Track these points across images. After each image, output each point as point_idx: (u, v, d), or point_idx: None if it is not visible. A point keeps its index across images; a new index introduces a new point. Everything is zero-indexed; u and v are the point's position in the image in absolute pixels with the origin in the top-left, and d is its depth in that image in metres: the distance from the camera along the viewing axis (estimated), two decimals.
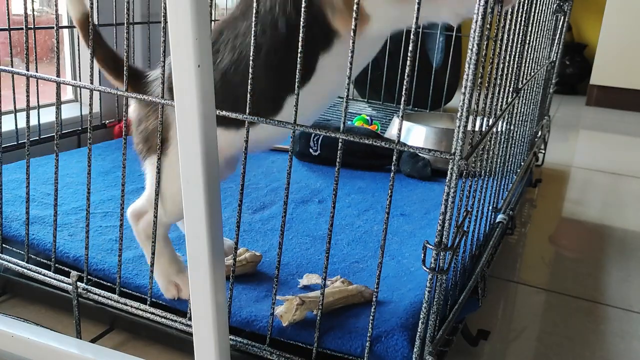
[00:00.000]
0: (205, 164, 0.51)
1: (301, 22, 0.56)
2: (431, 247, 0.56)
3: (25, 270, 0.78)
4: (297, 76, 0.58)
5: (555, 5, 1.44)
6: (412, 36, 0.53)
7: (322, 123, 1.37)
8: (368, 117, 1.69)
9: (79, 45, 1.27)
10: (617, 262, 1.12)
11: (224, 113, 0.63)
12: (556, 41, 1.61)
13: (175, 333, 0.71)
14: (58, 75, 0.70)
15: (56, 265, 0.77)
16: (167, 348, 0.74)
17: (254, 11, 0.58)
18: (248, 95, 0.60)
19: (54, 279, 0.76)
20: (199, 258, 0.53)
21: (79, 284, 0.73)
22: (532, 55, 1.11)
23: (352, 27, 0.54)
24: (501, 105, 0.81)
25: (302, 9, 0.56)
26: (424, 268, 0.56)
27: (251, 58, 0.59)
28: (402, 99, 0.54)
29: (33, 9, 1.13)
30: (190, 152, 0.50)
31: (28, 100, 0.72)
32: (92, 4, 0.66)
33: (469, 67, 0.54)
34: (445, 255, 0.57)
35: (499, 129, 0.85)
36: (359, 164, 1.29)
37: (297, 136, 1.31)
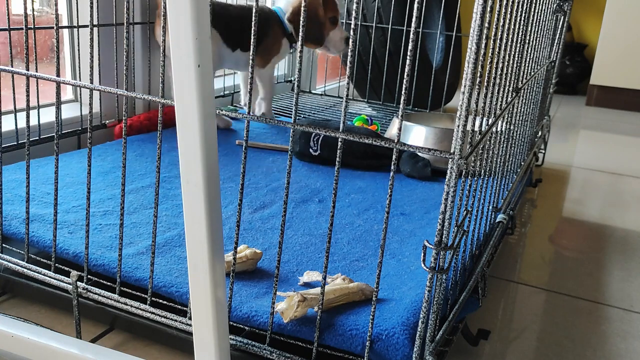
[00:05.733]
0: (205, 163, 0.51)
1: (301, 23, 0.56)
2: (431, 246, 0.56)
3: (25, 270, 0.78)
4: (297, 75, 0.58)
5: (555, 5, 1.44)
6: (412, 36, 0.53)
7: (322, 123, 1.37)
8: (368, 117, 1.69)
9: (79, 45, 1.27)
10: (617, 262, 1.13)
11: (223, 113, 0.63)
12: (556, 41, 1.61)
13: (175, 333, 0.71)
14: (58, 75, 0.70)
15: (56, 264, 0.77)
16: (167, 348, 0.74)
17: (254, 10, 0.58)
18: (249, 94, 0.60)
19: (54, 278, 0.76)
20: (199, 256, 0.53)
21: (79, 283, 0.73)
22: (532, 55, 1.11)
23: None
24: (501, 105, 0.81)
25: (302, 10, 0.56)
26: (424, 267, 0.56)
27: (251, 57, 0.59)
28: (402, 98, 0.54)
29: (33, 9, 1.13)
30: (191, 152, 0.50)
31: (28, 100, 0.72)
32: (92, 3, 0.66)
33: (468, 67, 0.54)
34: (445, 254, 0.57)
35: (499, 129, 0.85)
36: (359, 164, 1.29)
37: (297, 136, 1.31)
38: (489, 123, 0.73)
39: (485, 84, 0.70)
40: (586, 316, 0.92)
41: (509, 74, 0.85)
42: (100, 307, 0.75)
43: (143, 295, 0.72)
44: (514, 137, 1.05)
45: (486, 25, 0.57)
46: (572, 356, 0.81)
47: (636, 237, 1.26)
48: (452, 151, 0.55)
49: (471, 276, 0.78)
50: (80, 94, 1.43)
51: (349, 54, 0.55)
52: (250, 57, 0.59)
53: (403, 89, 0.54)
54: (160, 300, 0.72)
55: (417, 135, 1.37)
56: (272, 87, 1.61)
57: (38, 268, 0.77)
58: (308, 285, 0.76)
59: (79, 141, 1.30)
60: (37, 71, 0.72)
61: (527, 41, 1.00)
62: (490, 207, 0.94)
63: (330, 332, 0.66)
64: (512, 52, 0.84)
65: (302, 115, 1.86)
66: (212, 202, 0.52)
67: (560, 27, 1.61)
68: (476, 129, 0.65)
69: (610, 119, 2.67)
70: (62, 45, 1.40)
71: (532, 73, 1.16)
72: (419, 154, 1.27)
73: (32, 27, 1.10)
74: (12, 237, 0.84)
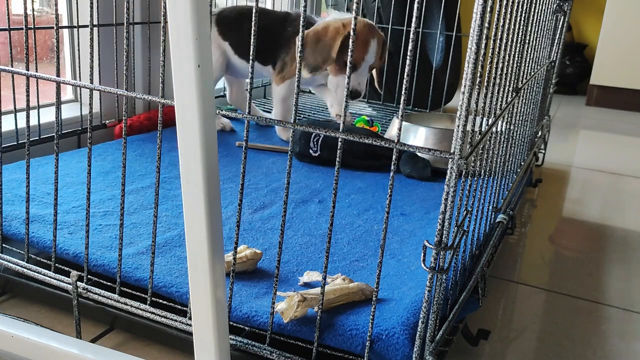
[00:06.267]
0: (205, 163, 0.51)
1: (300, 31, 0.56)
2: (431, 246, 0.56)
3: (25, 270, 0.78)
4: (297, 76, 0.58)
5: (555, 5, 1.44)
6: (412, 36, 0.53)
7: (322, 123, 1.37)
8: (369, 119, 1.69)
9: (79, 45, 1.27)
10: (617, 262, 1.13)
11: (223, 113, 0.63)
12: (556, 41, 1.61)
13: (175, 333, 0.71)
14: (58, 75, 0.70)
15: (56, 264, 0.77)
16: (167, 348, 0.74)
17: (254, 10, 0.58)
18: (248, 95, 0.60)
19: (54, 278, 0.76)
20: (199, 256, 0.53)
21: (79, 283, 0.73)
22: (532, 55, 1.11)
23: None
24: (501, 105, 0.81)
25: (301, 24, 0.56)
26: (424, 267, 0.56)
27: (251, 57, 0.59)
28: (402, 98, 0.54)
29: (33, 9, 1.13)
30: (191, 152, 0.50)
31: (28, 100, 0.72)
32: (92, 3, 0.66)
33: (468, 67, 0.54)
34: (445, 254, 0.57)
35: (499, 129, 0.85)
36: (359, 165, 1.29)
37: (297, 137, 1.31)
38: (489, 123, 0.73)
39: (485, 84, 0.70)
40: (586, 316, 0.92)
41: (509, 74, 0.85)
42: (100, 307, 0.75)
43: (143, 295, 0.72)
44: (514, 137, 1.05)
45: (486, 25, 0.57)
46: (572, 356, 0.81)
47: (636, 237, 1.26)
48: (452, 151, 0.55)
49: (471, 276, 0.78)
50: (80, 94, 1.43)
51: (349, 54, 0.55)
52: (251, 57, 0.59)
53: (403, 89, 0.54)
54: (160, 300, 0.72)
55: (417, 136, 1.37)
56: (283, 109, 1.45)
57: (38, 268, 0.77)
58: (308, 285, 0.76)
59: (79, 141, 1.30)
60: (37, 71, 0.73)
61: (527, 41, 1.00)
62: (490, 207, 0.94)
63: (330, 332, 0.66)
64: (512, 52, 0.84)
65: (302, 116, 1.86)
66: (212, 202, 0.52)
67: (560, 27, 1.61)
68: (476, 129, 0.65)
69: (610, 119, 2.67)
70: (62, 45, 1.40)
71: (532, 73, 1.16)
72: (419, 154, 1.27)
73: (32, 27, 1.10)
74: (12, 237, 0.84)
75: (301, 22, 0.56)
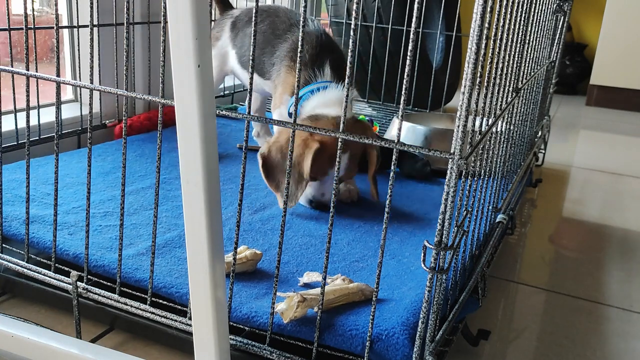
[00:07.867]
0: (205, 163, 0.51)
1: (300, 30, 0.56)
2: (431, 246, 0.56)
3: (25, 270, 0.78)
4: (297, 76, 0.58)
5: (555, 5, 1.44)
6: (412, 36, 0.53)
7: None
8: (367, 118, 1.69)
9: (79, 45, 1.27)
10: (617, 262, 1.13)
11: (223, 113, 0.63)
12: (556, 41, 1.61)
13: (175, 333, 0.71)
14: (58, 75, 0.70)
15: (56, 265, 0.77)
16: (167, 348, 0.74)
17: (254, 11, 0.58)
18: (248, 95, 0.60)
19: (54, 278, 0.76)
20: (199, 257, 0.53)
21: (79, 283, 0.73)
22: (532, 55, 1.11)
23: None
24: (501, 105, 0.81)
25: (301, 24, 0.56)
26: (424, 267, 0.56)
27: (251, 57, 0.59)
28: (402, 98, 0.54)
29: (33, 9, 1.13)
30: (191, 152, 0.50)
31: (28, 100, 0.72)
32: (92, 3, 0.66)
33: (468, 67, 0.54)
34: (445, 254, 0.57)
35: (499, 129, 0.85)
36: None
37: None
38: (489, 123, 0.73)
39: (485, 84, 0.70)
40: (586, 316, 0.92)
41: (509, 74, 0.85)
42: (100, 307, 0.75)
43: (143, 295, 0.72)
44: (514, 137, 1.05)
45: (486, 25, 0.57)
46: (572, 356, 0.81)
47: (636, 237, 1.26)
48: (452, 151, 0.55)
49: (471, 276, 0.78)
50: (80, 94, 1.43)
51: (349, 54, 0.55)
52: (251, 57, 0.59)
53: (403, 89, 0.54)
54: (160, 301, 0.72)
55: (417, 136, 1.37)
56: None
57: (38, 268, 0.77)
58: (308, 285, 0.76)
59: (79, 141, 1.30)
60: (37, 71, 0.73)
61: (527, 41, 1.00)
62: (490, 208, 0.94)
63: (330, 332, 0.66)
64: (512, 52, 0.84)
65: None
66: (212, 202, 0.52)
67: (560, 27, 1.61)
68: (476, 129, 0.65)
69: (610, 119, 2.67)
70: (62, 45, 1.40)
71: (532, 73, 1.16)
72: (418, 154, 1.27)
73: (32, 27, 1.10)
74: (13, 238, 0.84)
75: (301, 22, 0.56)
